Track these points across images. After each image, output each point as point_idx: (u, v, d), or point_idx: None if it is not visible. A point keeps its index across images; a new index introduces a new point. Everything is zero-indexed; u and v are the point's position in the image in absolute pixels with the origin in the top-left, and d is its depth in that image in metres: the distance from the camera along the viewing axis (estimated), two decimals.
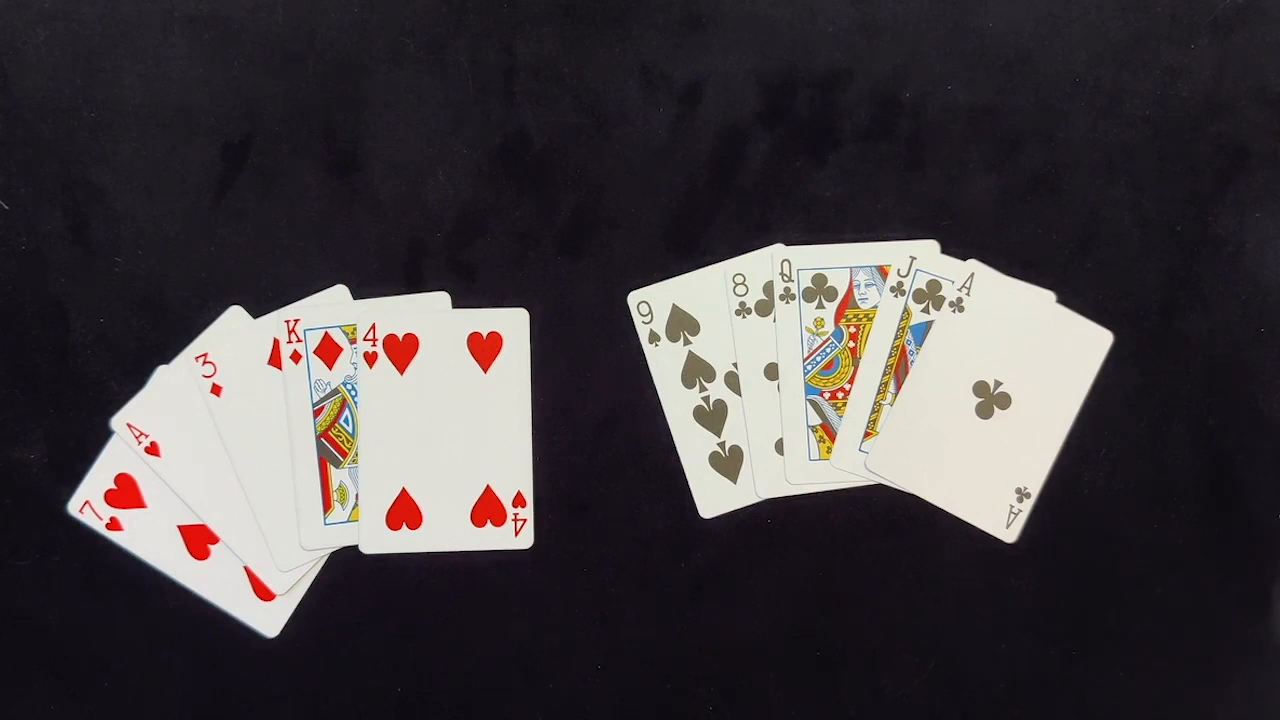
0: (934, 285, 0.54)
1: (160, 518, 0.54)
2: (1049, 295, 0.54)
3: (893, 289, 0.54)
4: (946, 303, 0.54)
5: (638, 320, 0.54)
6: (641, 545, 0.55)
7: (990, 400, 0.53)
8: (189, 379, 0.53)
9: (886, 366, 0.54)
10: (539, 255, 0.54)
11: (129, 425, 0.53)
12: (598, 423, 0.54)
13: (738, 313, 0.54)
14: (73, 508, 0.54)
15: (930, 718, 0.55)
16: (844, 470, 0.54)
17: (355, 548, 0.54)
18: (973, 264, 0.54)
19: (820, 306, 0.54)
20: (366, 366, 0.54)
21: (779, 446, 0.54)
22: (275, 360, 0.54)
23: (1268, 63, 0.54)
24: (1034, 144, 0.54)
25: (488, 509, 0.54)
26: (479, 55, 0.54)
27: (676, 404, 0.55)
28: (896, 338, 0.54)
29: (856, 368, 0.54)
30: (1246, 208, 0.54)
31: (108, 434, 0.54)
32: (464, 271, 0.54)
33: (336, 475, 0.54)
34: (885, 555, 0.55)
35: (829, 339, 0.54)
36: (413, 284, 0.54)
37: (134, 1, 0.53)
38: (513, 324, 0.54)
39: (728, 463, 0.55)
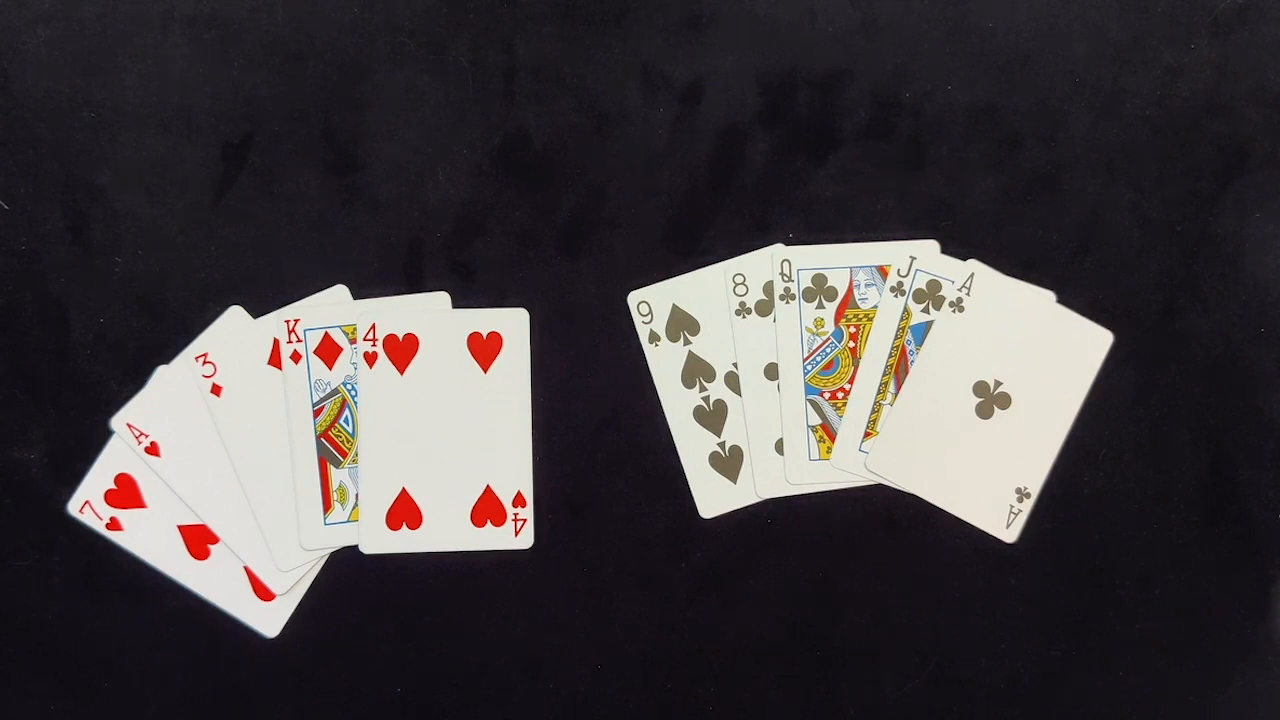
0: (934, 285, 0.54)
1: (160, 518, 0.54)
2: (1049, 295, 0.54)
3: (893, 289, 0.54)
4: (946, 303, 0.54)
5: (638, 320, 0.54)
6: (641, 545, 0.55)
7: (990, 400, 0.53)
8: (189, 379, 0.53)
9: (886, 366, 0.54)
10: (539, 255, 0.54)
11: (129, 425, 0.53)
12: (598, 423, 0.54)
13: (738, 313, 0.54)
14: (73, 508, 0.54)
15: (930, 718, 0.55)
16: (844, 470, 0.54)
17: (355, 548, 0.54)
18: (973, 264, 0.54)
19: (820, 306, 0.54)
20: (366, 366, 0.54)
21: (779, 446, 0.54)
22: (275, 360, 0.54)
23: (1268, 63, 0.54)
24: (1034, 144, 0.54)
25: (488, 509, 0.54)
26: (479, 55, 0.54)
27: (676, 404, 0.55)
28: (896, 338, 0.54)
29: (856, 368, 0.54)
30: (1246, 208, 0.54)
31: (108, 434, 0.54)
32: (464, 271, 0.54)
33: (336, 475, 0.54)
34: (885, 555, 0.55)
35: (829, 339, 0.54)
36: (413, 284, 0.54)
37: (134, 1, 0.53)
38: (513, 324, 0.54)
39: (728, 463, 0.55)
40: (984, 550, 0.54)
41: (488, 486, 0.54)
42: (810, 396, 0.54)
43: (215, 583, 0.54)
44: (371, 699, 0.55)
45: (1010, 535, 0.54)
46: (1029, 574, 0.55)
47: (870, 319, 0.54)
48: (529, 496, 0.54)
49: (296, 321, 0.53)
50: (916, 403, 0.54)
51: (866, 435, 0.54)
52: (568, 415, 0.54)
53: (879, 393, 0.54)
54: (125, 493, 0.54)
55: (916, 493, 0.54)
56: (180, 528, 0.54)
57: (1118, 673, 0.55)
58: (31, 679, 0.55)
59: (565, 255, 0.54)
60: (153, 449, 0.53)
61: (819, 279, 0.54)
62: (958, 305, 0.54)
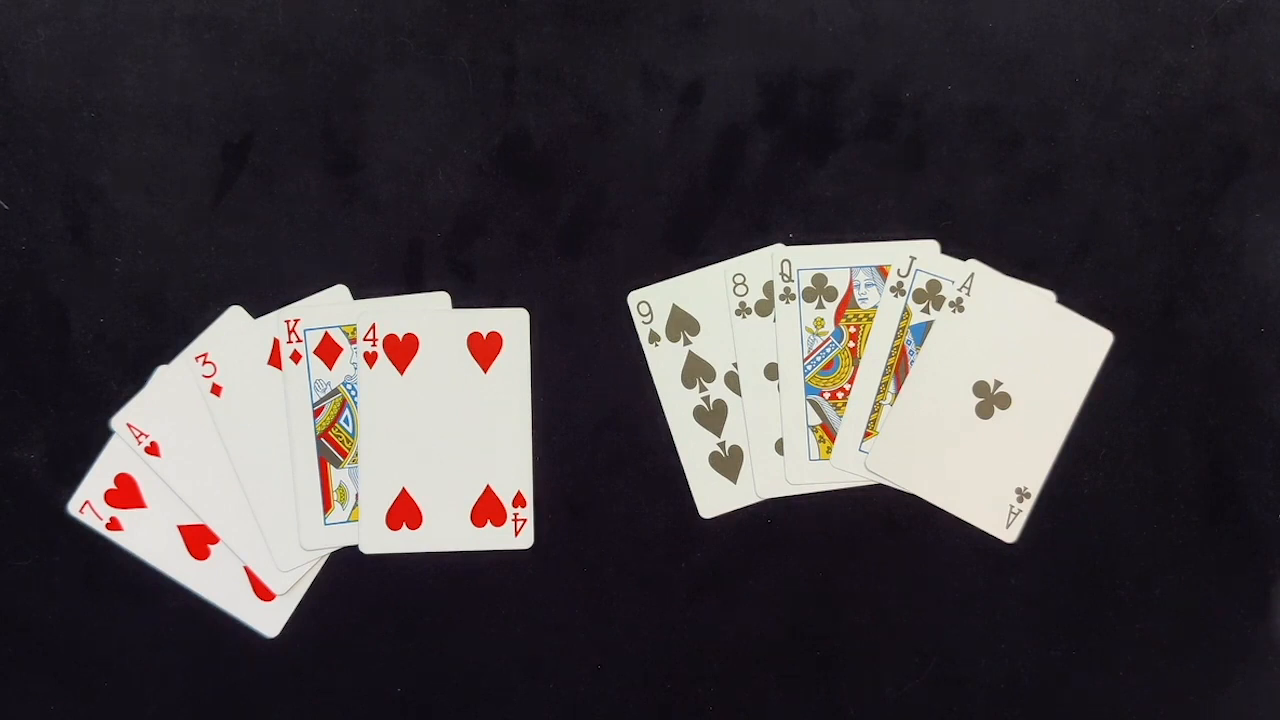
0: (934, 285, 0.54)
1: (160, 518, 0.54)
2: (1049, 295, 0.54)
3: (893, 289, 0.54)
4: (946, 303, 0.54)
5: (638, 320, 0.54)
6: (641, 545, 0.55)
7: (990, 400, 0.53)
8: (189, 379, 0.53)
9: (886, 366, 0.54)
10: (539, 255, 0.54)
11: (129, 425, 0.53)
12: (598, 423, 0.54)
13: (738, 313, 0.54)
14: (73, 508, 0.54)
15: (930, 718, 0.55)
16: (844, 470, 0.54)
17: (355, 548, 0.54)
18: (973, 264, 0.54)
19: (820, 306, 0.54)
20: (366, 366, 0.54)
21: (779, 446, 0.54)
22: (275, 360, 0.54)
23: (1268, 63, 0.54)
24: (1034, 144, 0.54)
25: (488, 509, 0.54)
26: (479, 55, 0.54)
27: (676, 404, 0.55)
28: (896, 338, 0.54)
29: (856, 368, 0.54)
30: (1246, 208, 0.54)
31: (108, 434, 0.54)
32: (464, 271, 0.54)
33: (336, 475, 0.54)
34: (885, 555, 0.55)
35: (829, 339, 0.54)
36: (413, 284, 0.54)
37: (134, 1, 0.53)
38: (513, 324, 0.54)
39: (728, 463, 0.55)
40: (984, 550, 0.54)
41: (488, 486, 0.54)
42: (810, 396, 0.54)
43: (215, 583, 0.54)
44: (371, 699, 0.55)
45: (1010, 535, 0.54)
46: (1029, 574, 0.55)
47: (870, 319, 0.54)
48: (529, 496, 0.54)
49: (296, 321, 0.53)
50: (916, 403, 0.54)
51: (866, 435, 0.54)
52: (568, 415, 0.54)
53: (879, 393, 0.54)
54: (125, 493, 0.54)
55: (916, 493, 0.54)
56: (180, 528, 0.54)
57: (1118, 673, 0.55)
58: (31, 679, 0.55)
59: (565, 255, 0.54)
60: (153, 449, 0.53)
61: (819, 279, 0.54)
62: (958, 305, 0.54)
